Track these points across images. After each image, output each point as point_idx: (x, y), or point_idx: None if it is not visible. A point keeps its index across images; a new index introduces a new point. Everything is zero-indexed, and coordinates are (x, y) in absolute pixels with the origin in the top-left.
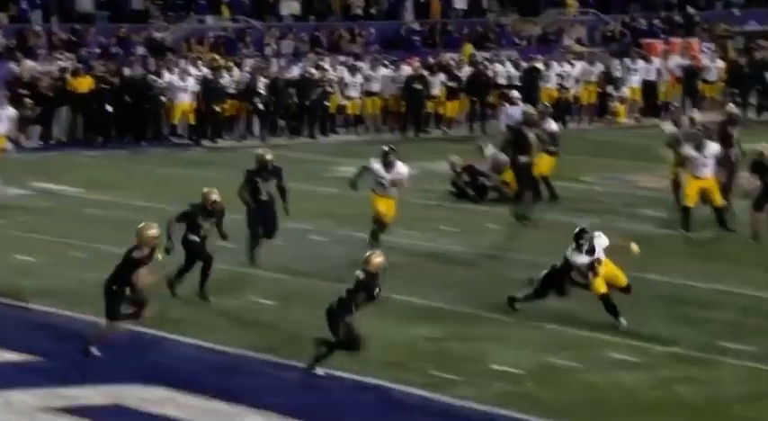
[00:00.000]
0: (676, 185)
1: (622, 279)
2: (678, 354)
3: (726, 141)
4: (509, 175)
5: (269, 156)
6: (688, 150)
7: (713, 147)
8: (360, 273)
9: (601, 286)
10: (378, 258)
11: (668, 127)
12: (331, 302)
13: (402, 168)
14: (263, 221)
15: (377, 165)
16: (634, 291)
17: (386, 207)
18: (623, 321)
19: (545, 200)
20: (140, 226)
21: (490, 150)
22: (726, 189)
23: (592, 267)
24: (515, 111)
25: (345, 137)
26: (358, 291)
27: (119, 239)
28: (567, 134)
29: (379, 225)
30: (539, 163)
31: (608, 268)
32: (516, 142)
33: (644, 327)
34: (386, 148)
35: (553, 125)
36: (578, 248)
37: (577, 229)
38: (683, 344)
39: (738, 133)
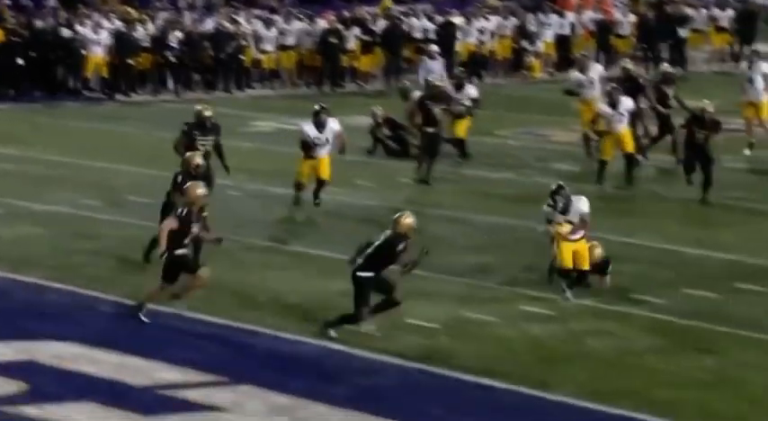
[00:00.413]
0: (587, 139)
1: (585, 264)
2: (589, 307)
3: (662, 101)
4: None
5: (208, 113)
6: (602, 107)
7: (627, 103)
8: (388, 233)
9: (567, 260)
10: (407, 219)
11: (574, 74)
12: (355, 261)
13: (334, 125)
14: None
15: (308, 128)
16: (544, 242)
17: (313, 169)
18: (570, 295)
19: (464, 157)
20: (187, 186)
21: (416, 94)
22: (639, 144)
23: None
24: (435, 65)
25: (261, 91)
26: (384, 251)
27: (31, 194)
28: (483, 89)
29: (299, 188)
30: (457, 125)
31: (580, 245)
32: (423, 114)
33: (556, 281)
34: (316, 107)
35: (472, 90)
36: (553, 205)
37: (554, 186)
38: (595, 297)
39: (675, 91)
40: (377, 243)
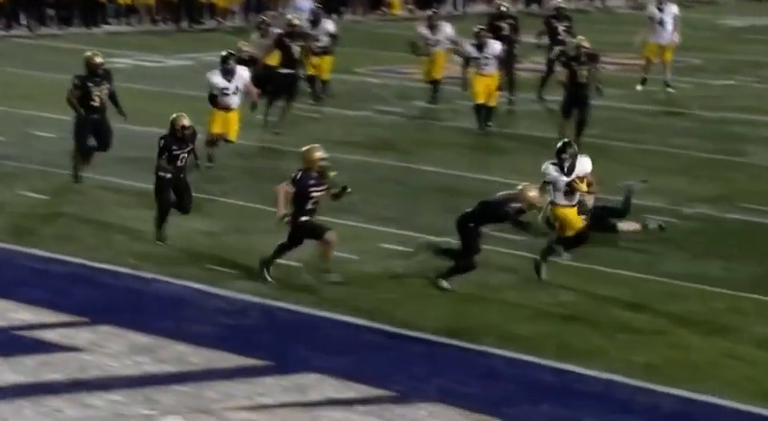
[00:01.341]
0: (433, 82)
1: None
2: (449, 244)
3: (552, 35)
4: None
5: (98, 59)
6: (470, 50)
7: (494, 46)
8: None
9: (579, 222)
10: (531, 192)
11: (421, 29)
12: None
13: (244, 72)
14: (93, 130)
15: (215, 78)
16: (408, 182)
17: (226, 123)
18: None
19: (324, 97)
20: (305, 149)
21: (275, 32)
22: (509, 85)
23: (570, 189)
24: (304, 3)
25: (118, 27)
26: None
27: None
28: (343, 26)
29: (211, 144)
30: (319, 65)
31: (572, 214)
32: (281, 53)
33: (417, 218)
34: (224, 54)
35: (330, 26)
36: (559, 164)
37: (561, 143)
38: (454, 233)
39: (568, 27)
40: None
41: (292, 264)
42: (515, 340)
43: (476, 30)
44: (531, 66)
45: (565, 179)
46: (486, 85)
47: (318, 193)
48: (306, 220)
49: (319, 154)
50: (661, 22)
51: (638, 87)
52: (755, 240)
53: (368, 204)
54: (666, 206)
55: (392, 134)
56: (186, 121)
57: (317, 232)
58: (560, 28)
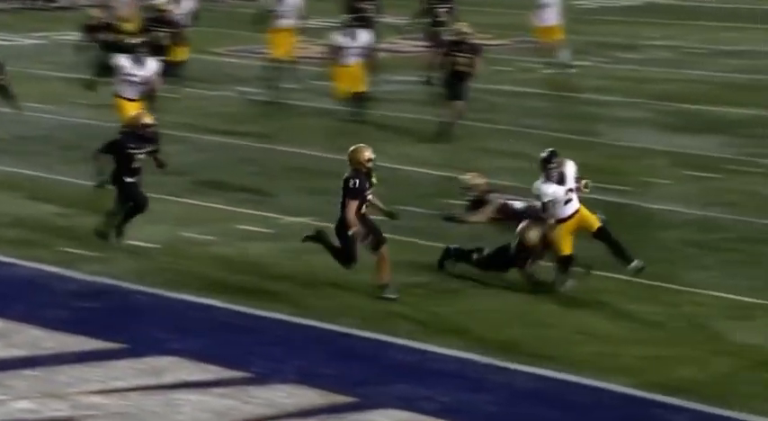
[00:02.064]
0: (282, 62)
1: (594, 221)
2: (306, 224)
3: (432, 16)
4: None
5: None
6: (339, 39)
7: (363, 36)
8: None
9: (568, 246)
10: (533, 234)
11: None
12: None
13: (153, 64)
14: None
15: (124, 61)
16: (266, 162)
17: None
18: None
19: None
20: (352, 149)
21: None
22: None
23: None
24: None
25: None
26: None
27: None
28: (199, 6)
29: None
30: (177, 48)
31: (582, 210)
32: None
33: (274, 199)
34: (135, 41)
35: (189, 3)
36: (548, 177)
37: (545, 153)
38: (311, 214)
39: (447, 8)
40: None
41: (149, 245)
42: (371, 320)
43: (345, 18)
44: (389, 46)
45: (563, 189)
46: (351, 73)
47: (368, 197)
48: (354, 232)
49: (368, 154)
50: (546, 5)
51: (545, 71)
52: (610, 219)
53: (226, 185)
54: (522, 186)
55: (250, 115)
56: (148, 119)
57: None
58: (441, 10)
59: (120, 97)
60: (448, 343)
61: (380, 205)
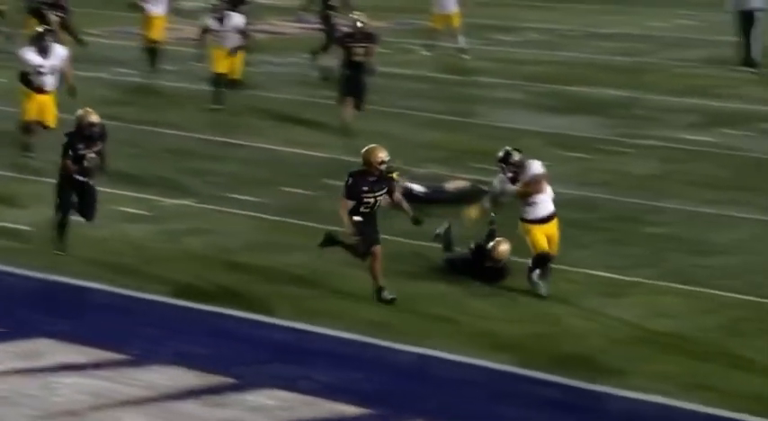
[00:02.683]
0: (151, 43)
1: (555, 247)
2: (187, 207)
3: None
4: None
5: None
6: (210, 22)
7: (235, 19)
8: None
9: (542, 244)
10: (503, 246)
11: None
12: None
13: (61, 51)
14: None
15: (29, 55)
16: (141, 142)
17: (41, 108)
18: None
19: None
20: (366, 149)
21: None
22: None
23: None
24: None
25: None
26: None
27: None
28: None
29: (27, 132)
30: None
31: (551, 232)
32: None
33: (153, 181)
34: (40, 30)
35: None
36: (504, 174)
37: (502, 153)
38: (191, 196)
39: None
40: None
41: (22, 227)
42: (249, 301)
43: (215, 2)
44: (267, 27)
45: (513, 189)
46: (224, 57)
47: (373, 198)
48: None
49: (381, 155)
50: None
51: (425, 52)
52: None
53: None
54: (400, 166)
55: (127, 96)
56: (95, 118)
57: (365, 242)
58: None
59: (30, 88)
60: (325, 323)
61: (406, 208)
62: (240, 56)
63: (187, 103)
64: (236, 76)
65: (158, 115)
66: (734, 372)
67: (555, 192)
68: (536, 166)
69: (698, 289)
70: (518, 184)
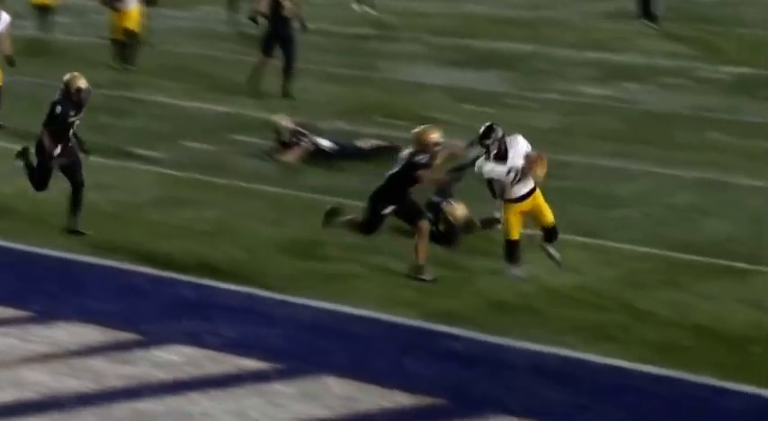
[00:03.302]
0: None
1: (549, 215)
2: (89, 162)
3: None
4: None
5: None
6: None
7: None
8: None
9: (514, 230)
10: (459, 212)
11: None
12: None
13: (5, 16)
14: None
15: None
16: (43, 98)
17: None
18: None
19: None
20: (419, 129)
21: None
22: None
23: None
24: None
25: None
26: None
27: None
28: None
29: None
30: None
31: (528, 203)
32: None
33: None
34: None
35: None
36: (487, 154)
37: (483, 128)
38: (94, 152)
39: None
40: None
41: None
42: (154, 257)
43: None
44: None
45: (504, 167)
46: (124, 22)
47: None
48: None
49: (435, 136)
50: None
51: (355, 6)
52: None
53: None
54: (305, 121)
55: (25, 50)
56: (83, 83)
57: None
58: None
59: None
60: (231, 279)
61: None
62: (141, 10)
63: (88, 58)
64: (136, 29)
65: (58, 70)
66: (635, 324)
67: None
68: (523, 142)
69: (600, 241)
70: (507, 164)
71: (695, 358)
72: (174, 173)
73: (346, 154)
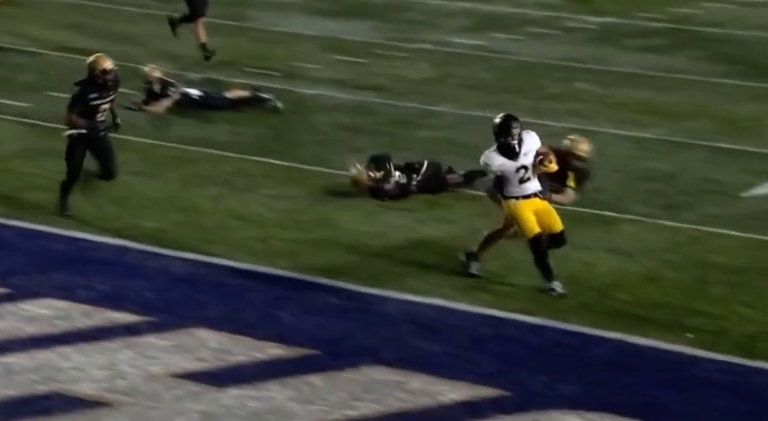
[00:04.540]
0: None
1: (557, 221)
2: None
3: None
4: None
5: None
6: None
7: None
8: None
9: (534, 225)
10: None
11: None
12: None
13: None
14: None
15: None
16: None
17: None
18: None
19: None
20: (499, 118)
21: None
22: None
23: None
24: None
25: None
26: None
27: None
28: None
29: None
30: None
31: (542, 206)
32: None
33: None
34: None
35: None
36: (500, 147)
37: (499, 119)
38: None
39: None
40: None
41: None
42: (22, 208)
43: None
44: None
45: (514, 164)
46: None
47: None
48: None
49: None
50: None
51: None
52: (258, 108)
53: None
54: (176, 71)
55: None
56: (109, 64)
57: None
58: None
59: None
60: (103, 232)
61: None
62: None
63: None
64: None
65: None
66: (508, 274)
67: (329, 96)
68: (536, 138)
69: (472, 192)
70: (518, 161)
71: (566, 307)
72: (40, 123)
73: (216, 104)
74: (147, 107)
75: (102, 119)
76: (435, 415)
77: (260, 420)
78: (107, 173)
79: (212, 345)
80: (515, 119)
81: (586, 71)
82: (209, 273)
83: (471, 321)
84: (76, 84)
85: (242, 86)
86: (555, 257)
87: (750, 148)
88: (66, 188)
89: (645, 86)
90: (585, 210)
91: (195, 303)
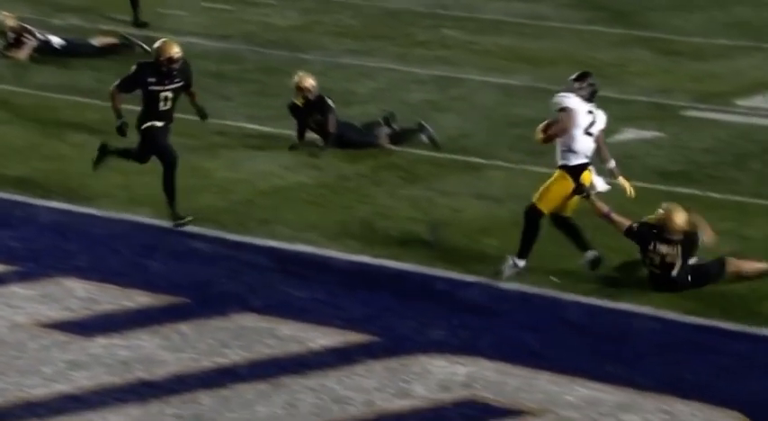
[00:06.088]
0: None
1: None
2: None
3: None
4: None
5: None
6: None
7: None
8: None
9: (551, 204)
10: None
11: None
12: None
13: None
14: None
15: None
16: None
17: None
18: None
19: None
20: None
21: None
22: None
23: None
24: None
25: None
26: None
27: None
28: None
29: None
30: None
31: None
32: None
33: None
34: None
35: None
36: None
37: (575, 75)
38: None
39: None
40: None
41: None
42: None
43: None
44: None
45: (586, 107)
46: None
47: None
48: None
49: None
50: None
51: None
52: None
53: None
54: (35, 17)
55: None
56: (176, 51)
57: None
58: None
59: None
60: None
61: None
62: None
63: None
64: None
65: None
66: (376, 220)
67: (198, 44)
68: (602, 119)
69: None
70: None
71: (434, 252)
72: None
73: (78, 51)
74: (9, 53)
75: (165, 108)
76: (305, 361)
77: (129, 368)
78: (168, 164)
79: (79, 295)
80: (588, 75)
81: (453, 18)
82: (75, 221)
83: (340, 267)
84: (139, 63)
85: (109, 33)
86: (421, 204)
87: (612, 94)
88: (167, 185)
89: (511, 33)
90: (453, 156)
91: (62, 252)
